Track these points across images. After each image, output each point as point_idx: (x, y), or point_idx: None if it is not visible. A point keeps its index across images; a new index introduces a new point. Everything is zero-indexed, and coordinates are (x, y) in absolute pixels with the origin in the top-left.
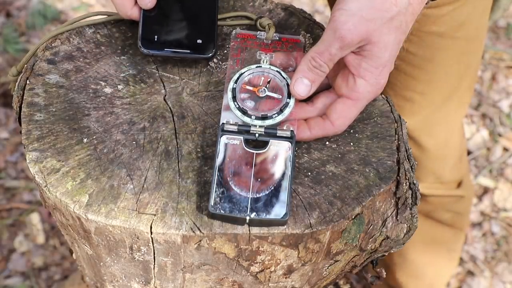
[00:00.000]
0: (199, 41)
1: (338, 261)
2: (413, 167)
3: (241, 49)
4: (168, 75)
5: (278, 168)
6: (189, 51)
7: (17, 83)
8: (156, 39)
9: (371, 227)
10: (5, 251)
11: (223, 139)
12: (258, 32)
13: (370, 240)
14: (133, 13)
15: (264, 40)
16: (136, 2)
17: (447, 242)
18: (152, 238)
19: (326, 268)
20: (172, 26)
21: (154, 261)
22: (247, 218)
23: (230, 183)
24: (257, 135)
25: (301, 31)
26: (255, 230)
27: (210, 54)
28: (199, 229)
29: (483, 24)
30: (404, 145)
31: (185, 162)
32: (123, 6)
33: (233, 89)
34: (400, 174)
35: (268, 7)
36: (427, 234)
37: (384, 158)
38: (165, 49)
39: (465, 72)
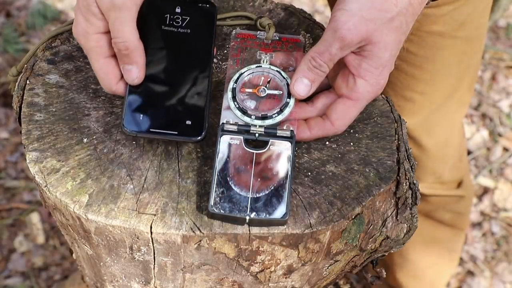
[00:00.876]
0: (188, 122)
1: (338, 261)
2: (413, 167)
3: (241, 49)
4: None
5: (278, 168)
6: (176, 133)
7: (17, 83)
8: (141, 118)
9: (371, 227)
10: (5, 251)
11: (223, 139)
12: (258, 32)
13: (370, 240)
14: (118, 89)
15: (264, 40)
16: (122, 77)
17: (447, 242)
18: (152, 238)
19: (326, 268)
20: (159, 105)
21: (154, 261)
22: (247, 218)
23: (230, 183)
24: (257, 135)
25: (301, 31)
26: (255, 230)
27: (199, 138)
28: (199, 229)
29: (483, 23)
30: (404, 145)
31: (185, 162)
32: (107, 81)
33: (233, 89)
34: (400, 174)
35: (268, 7)
36: (427, 234)
37: (384, 158)
38: (151, 130)
39: (466, 72)
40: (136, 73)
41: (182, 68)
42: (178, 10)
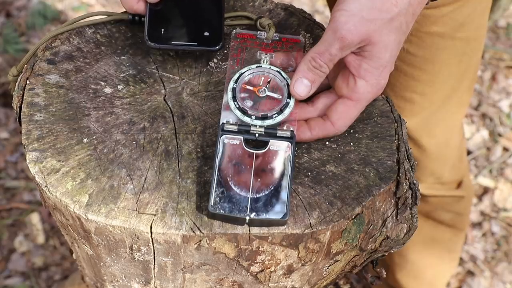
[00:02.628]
0: (206, 33)
1: (338, 261)
2: (413, 167)
3: (241, 49)
4: (168, 75)
5: (278, 168)
6: (196, 43)
7: (17, 83)
8: (162, 33)
9: (371, 227)
10: (5, 251)
11: (223, 139)
12: (258, 32)
13: (370, 240)
14: (139, 7)
15: (265, 40)
16: None
17: (447, 242)
18: (152, 238)
19: (326, 268)
20: (178, 19)
21: (154, 261)
22: (247, 218)
23: (230, 183)
24: (257, 135)
25: (301, 31)
26: (255, 230)
27: (218, 47)
28: (199, 229)
29: (483, 24)
30: (404, 145)
31: (185, 162)
32: (129, 1)
33: (233, 89)
34: (400, 174)
35: (268, 7)
36: (427, 234)
37: (384, 158)
38: (172, 42)
39: (465, 73)
40: None
41: None
42: None
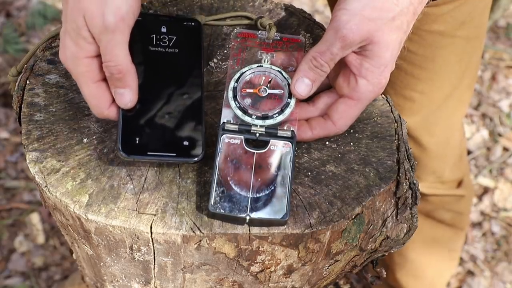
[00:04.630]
0: (185, 143)
1: (338, 261)
2: (413, 167)
3: (241, 49)
4: None
5: (278, 168)
6: (174, 154)
7: (17, 83)
8: (137, 142)
9: (371, 227)
10: (5, 251)
11: (224, 139)
12: (259, 32)
13: (370, 240)
14: (110, 113)
15: (266, 40)
16: (113, 101)
17: (447, 242)
18: (152, 238)
19: (326, 268)
20: (154, 127)
21: (154, 261)
22: (247, 217)
23: (230, 182)
24: (257, 134)
25: (301, 31)
26: (255, 230)
27: (198, 158)
28: (199, 229)
29: (483, 23)
30: (404, 145)
31: None
32: (99, 106)
33: (234, 88)
34: (400, 174)
35: (268, 7)
36: (427, 234)
37: (384, 158)
38: (148, 153)
39: (465, 71)
40: (129, 97)
41: (174, 88)
42: (163, 29)
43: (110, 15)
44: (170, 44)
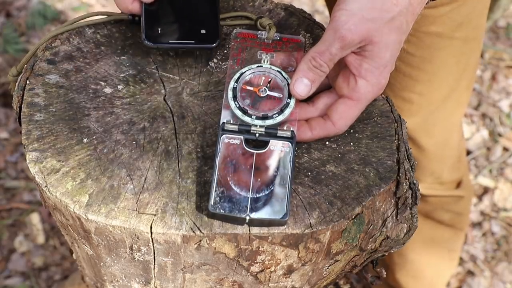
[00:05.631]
0: (203, 31)
1: (338, 261)
2: (413, 167)
3: (241, 49)
4: (168, 75)
5: (278, 168)
6: (193, 42)
7: (17, 83)
8: (159, 32)
9: (371, 227)
10: (5, 251)
11: (223, 139)
12: (259, 32)
13: (370, 240)
14: (134, 8)
15: (265, 40)
16: None
17: (447, 242)
18: (152, 238)
19: (326, 268)
20: (174, 18)
21: (154, 261)
22: (247, 218)
23: (230, 182)
24: (257, 135)
25: (301, 31)
26: (255, 230)
27: (215, 44)
28: (199, 229)
29: (481, 24)
30: (404, 145)
31: (185, 162)
32: (123, 1)
33: (234, 89)
34: (400, 174)
35: (268, 7)
36: (427, 234)
37: (384, 158)
38: (170, 41)
39: (464, 72)
40: None
41: None
42: None
43: None
44: None
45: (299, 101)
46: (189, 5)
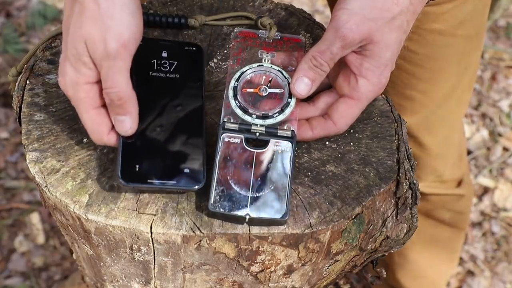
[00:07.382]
0: (186, 170)
1: (338, 261)
2: (413, 167)
3: (242, 48)
4: None
5: (278, 168)
6: (175, 182)
7: (17, 83)
8: (137, 170)
9: (371, 227)
10: (5, 251)
11: (224, 138)
12: (260, 31)
13: (370, 240)
14: (110, 140)
15: (266, 39)
16: (112, 127)
17: (447, 242)
18: (152, 238)
19: (326, 268)
20: (155, 154)
21: (154, 261)
22: (247, 217)
23: (230, 181)
24: (257, 134)
25: (301, 31)
26: (255, 230)
27: (199, 186)
28: (199, 229)
29: (483, 22)
30: (404, 145)
31: None
32: (98, 132)
33: (234, 88)
34: (400, 174)
35: (268, 7)
36: (427, 233)
37: (384, 158)
38: (148, 181)
39: (466, 70)
40: (129, 124)
41: (174, 115)
42: (164, 54)
43: (112, 41)
44: (171, 70)
45: (300, 101)
46: (172, 140)
